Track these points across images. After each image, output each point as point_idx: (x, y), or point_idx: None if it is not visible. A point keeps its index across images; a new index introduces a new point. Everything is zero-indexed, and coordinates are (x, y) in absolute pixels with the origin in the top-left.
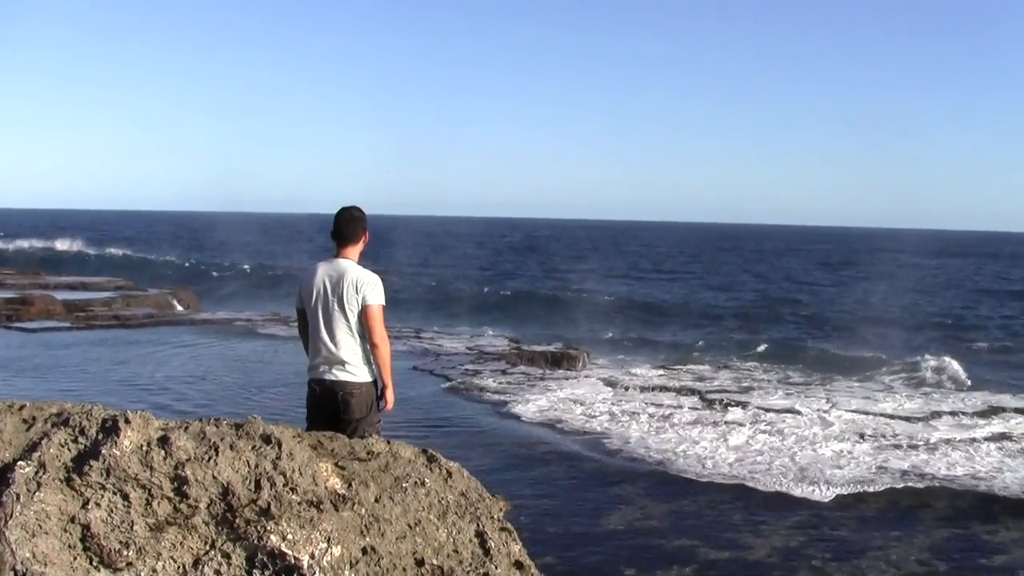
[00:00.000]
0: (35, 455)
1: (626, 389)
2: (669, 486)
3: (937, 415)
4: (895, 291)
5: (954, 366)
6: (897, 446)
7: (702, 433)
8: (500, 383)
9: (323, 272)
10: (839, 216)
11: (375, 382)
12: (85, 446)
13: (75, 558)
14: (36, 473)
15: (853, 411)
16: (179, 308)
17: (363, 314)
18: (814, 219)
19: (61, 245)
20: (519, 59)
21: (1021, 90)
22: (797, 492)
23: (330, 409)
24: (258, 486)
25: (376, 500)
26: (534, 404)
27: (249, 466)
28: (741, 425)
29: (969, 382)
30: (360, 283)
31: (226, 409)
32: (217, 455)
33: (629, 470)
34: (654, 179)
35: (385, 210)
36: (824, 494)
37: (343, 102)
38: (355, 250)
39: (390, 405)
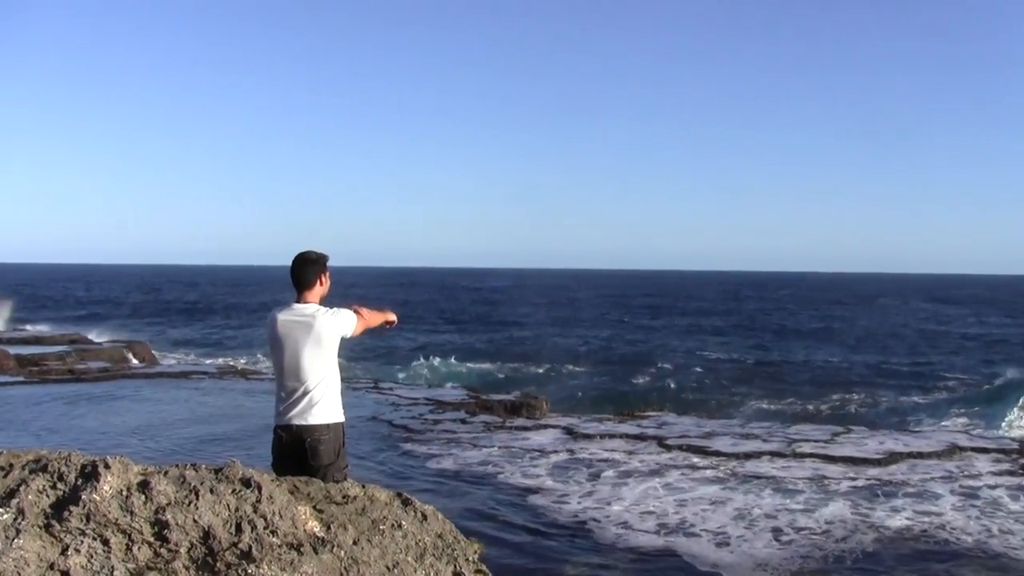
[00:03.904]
0: (13, 502)
1: (588, 438)
2: (586, 552)
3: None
4: None
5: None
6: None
7: (646, 490)
8: (454, 433)
9: (287, 316)
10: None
11: (342, 425)
12: (64, 492)
13: None
14: (15, 520)
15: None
16: (134, 361)
17: (348, 338)
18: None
19: None
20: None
21: None
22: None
23: (297, 456)
24: (239, 529)
25: (355, 543)
26: (477, 454)
27: (230, 509)
28: (691, 477)
29: None
30: (330, 320)
31: (188, 461)
32: (198, 499)
33: (544, 530)
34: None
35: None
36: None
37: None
38: (314, 294)
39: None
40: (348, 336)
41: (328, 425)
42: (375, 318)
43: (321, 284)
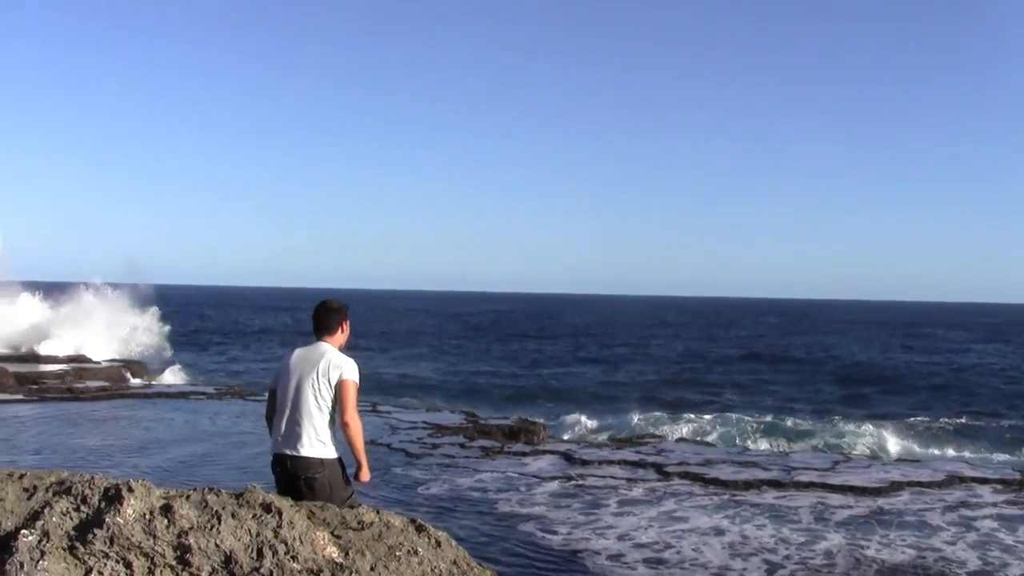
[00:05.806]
0: (38, 524)
1: (586, 464)
2: None
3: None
4: None
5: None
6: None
7: (643, 519)
8: (452, 457)
9: (302, 353)
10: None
11: (340, 460)
12: (88, 515)
13: None
14: (39, 542)
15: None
16: (132, 380)
17: (338, 389)
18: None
19: None
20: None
21: None
22: None
23: (295, 491)
24: (260, 554)
25: (372, 569)
26: (475, 479)
27: (251, 534)
28: (683, 507)
29: None
30: (338, 361)
31: (186, 482)
32: (220, 523)
33: (537, 559)
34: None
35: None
36: None
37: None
38: (333, 340)
39: (365, 479)
40: (344, 379)
41: (322, 461)
42: (358, 446)
43: (342, 331)
